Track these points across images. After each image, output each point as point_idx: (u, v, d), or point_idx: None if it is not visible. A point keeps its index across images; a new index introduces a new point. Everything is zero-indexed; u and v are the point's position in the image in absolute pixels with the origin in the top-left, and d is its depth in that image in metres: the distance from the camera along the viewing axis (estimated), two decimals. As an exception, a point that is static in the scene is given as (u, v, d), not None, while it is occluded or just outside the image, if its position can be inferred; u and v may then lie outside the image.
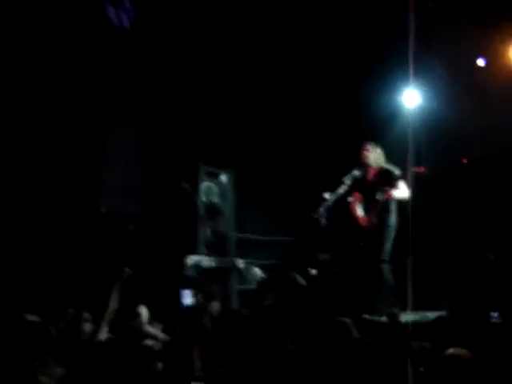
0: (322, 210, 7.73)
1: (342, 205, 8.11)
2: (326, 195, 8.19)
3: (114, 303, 5.73)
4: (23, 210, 7.98)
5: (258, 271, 9.00)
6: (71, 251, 8.11)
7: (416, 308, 5.57)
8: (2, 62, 8.07)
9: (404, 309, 5.65)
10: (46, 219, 8.09)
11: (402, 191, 7.75)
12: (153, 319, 6.54)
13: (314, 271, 8.04)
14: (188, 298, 7.94)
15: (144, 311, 6.51)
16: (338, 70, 9.77)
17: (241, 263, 9.15)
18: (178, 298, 8.26)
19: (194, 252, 8.93)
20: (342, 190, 7.85)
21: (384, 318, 6.31)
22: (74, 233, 8.20)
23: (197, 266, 8.81)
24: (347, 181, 7.89)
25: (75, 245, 8.15)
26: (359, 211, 8.10)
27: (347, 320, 5.08)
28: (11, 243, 7.78)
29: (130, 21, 9.56)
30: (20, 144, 8.18)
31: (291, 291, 8.12)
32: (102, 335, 5.70)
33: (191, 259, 8.77)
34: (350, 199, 8.11)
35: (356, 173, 7.95)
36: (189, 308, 7.96)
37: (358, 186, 8.02)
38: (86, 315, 6.48)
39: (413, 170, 7.96)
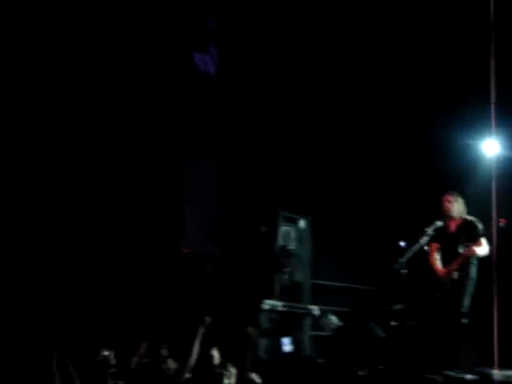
0: (402, 260, 7.66)
1: (420, 255, 8.03)
2: (402, 244, 8.15)
3: (196, 349, 5.88)
4: (108, 250, 8.16)
5: (333, 318, 8.92)
6: (152, 289, 8.24)
7: (503, 365, 5.42)
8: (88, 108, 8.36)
9: (489, 365, 5.50)
10: (130, 256, 8.26)
11: (483, 248, 7.68)
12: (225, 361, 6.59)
13: (393, 322, 7.90)
14: (288, 345, 7.89)
15: (216, 354, 6.58)
16: (418, 119, 9.76)
17: (316, 310, 9.11)
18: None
19: (270, 297, 8.93)
20: (424, 240, 7.78)
21: (470, 376, 6.10)
22: (155, 271, 8.34)
23: (272, 311, 8.80)
24: (430, 231, 7.81)
25: (157, 283, 8.29)
26: (438, 262, 7.99)
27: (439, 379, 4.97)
28: (96, 280, 7.96)
29: (215, 67, 9.85)
30: (104, 182, 8.38)
31: (368, 341, 8.00)
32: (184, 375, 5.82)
33: (267, 304, 8.77)
34: (427, 249, 8.01)
35: (439, 223, 7.87)
36: (289, 355, 7.94)
37: (439, 236, 7.92)
38: (164, 352, 6.61)
39: (496, 222, 7.84)
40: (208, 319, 5.97)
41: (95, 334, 7.27)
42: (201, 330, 5.92)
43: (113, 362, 6.29)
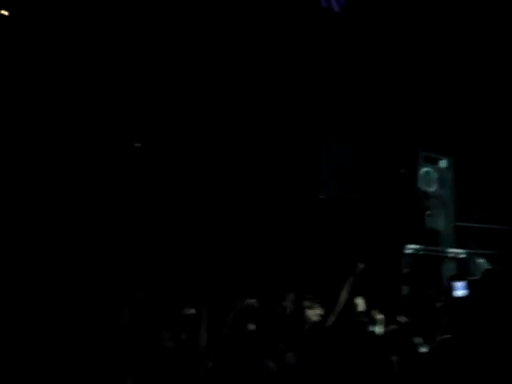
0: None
1: None
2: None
3: (344, 295, 5.74)
4: (252, 199, 8.24)
5: (482, 262, 8.51)
6: (293, 237, 8.22)
7: None
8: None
9: None
10: (272, 208, 8.30)
11: None
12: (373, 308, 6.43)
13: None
14: (461, 289, 7.63)
15: (361, 302, 6.43)
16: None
17: (462, 253, 8.73)
18: (397, 286, 8.06)
19: (412, 241, 8.65)
20: None
21: None
22: (296, 219, 8.30)
23: (414, 255, 8.54)
24: None
25: (297, 230, 8.25)
26: None
27: None
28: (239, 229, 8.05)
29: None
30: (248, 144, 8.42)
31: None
32: (329, 322, 5.73)
33: (409, 248, 8.51)
34: None
35: None
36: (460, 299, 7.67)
37: None
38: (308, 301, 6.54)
39: None
40: (361, 265, 5.79)
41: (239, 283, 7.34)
42: (350, 279, 5.76)
43: (256, 308, 6.30)
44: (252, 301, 6.43)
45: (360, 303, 6.43)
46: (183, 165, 8.34)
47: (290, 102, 8.82)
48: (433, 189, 8.98)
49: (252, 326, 5.70)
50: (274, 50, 8.67)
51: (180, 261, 7.77)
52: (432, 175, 9.04)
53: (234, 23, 8.42)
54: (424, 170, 8.97)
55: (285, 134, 8.72)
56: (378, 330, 6.05)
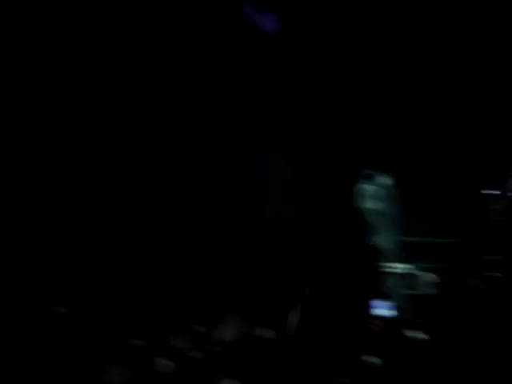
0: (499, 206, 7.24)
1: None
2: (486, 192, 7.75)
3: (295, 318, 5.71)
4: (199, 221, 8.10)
5: (429, 276, 8.56)
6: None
7: None
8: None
9: None
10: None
11: None
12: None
13: (495, 274, 7.51)
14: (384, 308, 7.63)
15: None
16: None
17: (412, 268, 8.76)
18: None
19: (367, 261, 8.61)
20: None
21: None
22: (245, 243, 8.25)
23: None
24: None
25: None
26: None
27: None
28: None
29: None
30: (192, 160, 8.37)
31: (470, 296, 7.63)
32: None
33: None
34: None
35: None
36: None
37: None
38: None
39: None
40: (307, 290, 5.76)
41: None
42: (300, 300, 5.71)
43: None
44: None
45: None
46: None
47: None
48: (377, 206, 9.00)
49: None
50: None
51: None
52: (375, 192, 9.06)
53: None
54: (366, 187, 8.99)
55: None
56: None
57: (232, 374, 5.54)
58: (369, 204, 8.94)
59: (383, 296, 7.88)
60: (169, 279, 7.86)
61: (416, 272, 8.71)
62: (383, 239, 8.92)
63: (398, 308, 8.39)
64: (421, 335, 5.87)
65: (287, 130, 9.26)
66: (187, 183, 8.42)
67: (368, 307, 7.78)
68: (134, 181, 8.35)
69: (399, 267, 8.86)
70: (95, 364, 5.58)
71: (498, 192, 8.26)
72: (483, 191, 8.55)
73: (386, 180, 9.16)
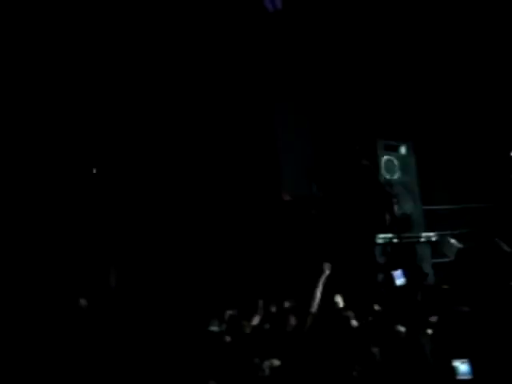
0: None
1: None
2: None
3: (318, 296, 5.72)
4: (210, 205, 8.11)
5: (454, 242, 8.47)
6: (260, 242, 8.11)
7: None
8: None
9: None
10: (236, 215, 8.18)
11: None
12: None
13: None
14: (400, 278, 7.60)
15: (340, 299, 6.39)
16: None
17: (433, 236, 8.70)
18: (372, 277, 8.00)
19: (382, 231, 8.60)
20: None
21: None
22: (262, 225, 8.20)
23: (386, 245, 8.50)
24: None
25: (264, 236, 8.14)
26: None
27: None
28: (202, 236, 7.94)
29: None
30: (204, 146, 8.30)
31: (496, 258, 7.53)
32: (308, 323, 5.68)
33: (380, 238, 8.47)
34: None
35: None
36: (402, 288, 7.64)
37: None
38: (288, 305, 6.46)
39: None
40: (327, 264, 5.78)
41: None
42: (322, 276, 5.73)
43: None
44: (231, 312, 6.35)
45: (339, 300, 6.39)
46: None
47: (245, 100, 8.74)
48: (395, 176, 8.96)
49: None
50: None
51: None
52: (393, 163, 9.01)
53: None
54: (385, 158, 8.94)
55: (240, 132, 8.58)
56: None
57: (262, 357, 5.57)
58: (388, 175, 8.91)
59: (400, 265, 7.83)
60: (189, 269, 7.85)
61: (440, 239, 8.67)
62: (405, 208, 8.91)
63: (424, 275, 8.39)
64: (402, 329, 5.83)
65: (303, 104, 9.22)
66: (201, 164, 8.36)
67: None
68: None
69: (424, 235, 8.85)
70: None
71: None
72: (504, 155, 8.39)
73: (404, 149, 9.12)
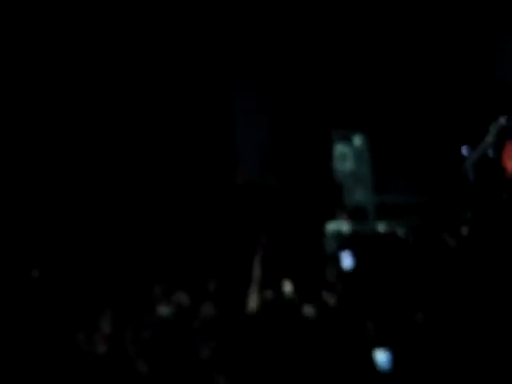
0: (468, 164, 7.29)
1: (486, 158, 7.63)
2: (464, 150, 7.76)
3: (257, 271, 5.71)
4: (164, 188, 8.09)
5: (403, 234, 8.62)
6: (210, 225, 8.12)
7: None
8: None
9: None
10: (187, 197, 8.16)
11: None
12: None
13: (465, 230, 7.57)
14: (347, 260, 7.65)
15: (288, 286, 6.42)
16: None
17: (382, 227, 8.81)
18: (321, 265, 8.05)
19: (333, 218, 8.68)
20: (488, 140, 7.36)
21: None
22: (213, 207, 8.20)
23: (337, 233, 8.57)
24: (493, 130, 7.38)
25: (215, 218, 8.15)
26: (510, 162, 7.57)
27: None
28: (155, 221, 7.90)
29: None
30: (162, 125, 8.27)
31: (441, 252, 7.69)
32: (253, 304, 5.67)
33: (331, 226, 8.54)
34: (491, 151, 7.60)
35: (502, 120, 7.42)
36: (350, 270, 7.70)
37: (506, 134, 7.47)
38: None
39: None
40: (265, 235, 5.75)
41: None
42: (259, 251, 5.71)
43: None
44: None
45: (288, 287, 6.42)
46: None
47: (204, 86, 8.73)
48: (349, 167, 9.04)
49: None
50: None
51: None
52: (347, 153, 9.09)
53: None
54: (338, 148, 9.02)
55: (197, 116, 8.57)
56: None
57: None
58: (343, 165, 8.99)
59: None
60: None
61: (389, 230, 8.79)
62: (357, 199, 9.00)
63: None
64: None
65: (263, 90, 9.25)
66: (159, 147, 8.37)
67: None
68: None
69: (373, 226, 8.94)
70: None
71: (470, 149, 8.26)
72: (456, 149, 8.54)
73: (358, 140, 9.20)
